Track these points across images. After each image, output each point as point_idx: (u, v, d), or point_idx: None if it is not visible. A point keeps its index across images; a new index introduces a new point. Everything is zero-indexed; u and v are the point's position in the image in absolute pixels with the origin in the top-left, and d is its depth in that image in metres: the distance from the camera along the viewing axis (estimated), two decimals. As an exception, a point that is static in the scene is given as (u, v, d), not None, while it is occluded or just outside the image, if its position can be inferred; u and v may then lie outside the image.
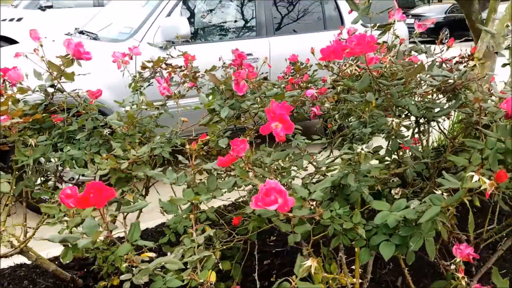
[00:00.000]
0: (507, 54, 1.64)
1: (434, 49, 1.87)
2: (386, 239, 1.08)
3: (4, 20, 6.80)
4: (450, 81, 1.57)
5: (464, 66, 1.95)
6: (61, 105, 1.81)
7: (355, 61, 1.95)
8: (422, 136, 1.93)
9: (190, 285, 1.09)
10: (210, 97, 1.97)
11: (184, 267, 0.99)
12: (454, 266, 1.25)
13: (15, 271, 2.18)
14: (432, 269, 2.07)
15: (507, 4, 3.13)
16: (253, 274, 1.80)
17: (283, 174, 1.60)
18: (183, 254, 1.13)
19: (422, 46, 1.85)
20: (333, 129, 1.85)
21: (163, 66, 2.13)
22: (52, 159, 1.63)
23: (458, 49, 2.20)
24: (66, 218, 1.23)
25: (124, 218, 1.90)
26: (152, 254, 0.97)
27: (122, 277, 0.98)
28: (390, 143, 1.47)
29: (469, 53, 1.95)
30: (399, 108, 1.60)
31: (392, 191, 1.35)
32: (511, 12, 3.01)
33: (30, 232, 1.82)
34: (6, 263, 2.18)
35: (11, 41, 6.41)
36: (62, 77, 1.67)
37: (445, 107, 1.55)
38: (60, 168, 1.77)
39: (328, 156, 1.79)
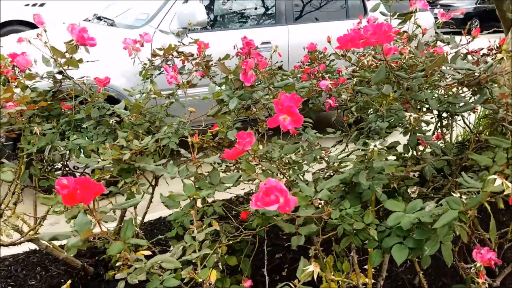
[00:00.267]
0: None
1: (460, 40, 1.75)
2: (400, 241, 1.00)
3: (27, 5, 6.86)
4: (476, 74, 1.46)
5: (492, 59, 1.83)
6: (70, 92, 1.78)
7: (373, 52, 1.86)
8: (445, 131, 1.82)
9: (191, 284, 1.05)
10: (223, 87, 1.90)
11: (181, 267, 0.93)
12: (475, 269, 1.16)
13: (28, 257, 2.20)
14: (452, 267, 1.98)
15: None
16: (262, 269, 1.76)
17: (295, 168, 1.54)
18: (184, 251, 1.08)
19: (445, 36, 1.74)
20: (350, 121, 1.76)
21: (175, 54, 2.07)
22: (58, 148, 1.60)
23: (486, 41, 2.07)
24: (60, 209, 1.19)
25: (135, 208, 1.87)
26: (147, 252, 0.92)
27: (117, 276, 0.94)
28: (408, 138, 1.38)
29: (498, 45, 1.83)
30: (419, 102, 1.50)
31: (409, 190, 1.26)
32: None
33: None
34: (21, 249, 2.19)
35: (33, 26, 6.46)
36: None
37: (469, 102, 1.45)
38: (67, 157, 1.74)
39: (343, 150, 1.71)
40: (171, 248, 1.74)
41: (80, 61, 1.68)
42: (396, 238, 1.00)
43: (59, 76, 1.78)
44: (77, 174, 2.01)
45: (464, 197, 0.91)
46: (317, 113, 2.16)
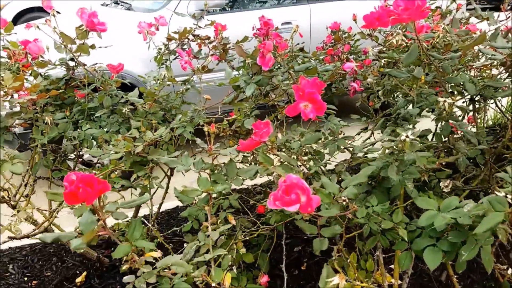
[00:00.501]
0: None
1: (498, 16, 1.59)
2: (432, 243, 0.90)
3: (47, -8, 6.85)
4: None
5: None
6: (83, 80, 1.72)
7: (402, 30, 1.72)
8: (476, 115, 1.69)
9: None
10: (241, 71, 1.81)
11: (191, 271, 0.86)
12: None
13: (45, 247, 2.19)
14: (482, 264, 1.86)
15: None
16: (280, 264, 1.69)
17: (316, 158, 1.44)
18: (197, 250, 1.01)
19: (483, 13, 1.58)
20: (376, 107, 1.64)
21: (191, 37, 1.97)
22: (71, 138, 1.55)
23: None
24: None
25: (151, 198, 1.82)
26: (158, 254, 0.85)
27: (125, 279, 0.88)
28: (440, 125, 1.26)
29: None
30: (452, 85, 1.37)
31: (442, 183, 1.15)
32: None
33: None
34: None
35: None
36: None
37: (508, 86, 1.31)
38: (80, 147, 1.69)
39: (368, 138, 1.60)
40: (186, 244, 1.68)
41: (93, 47, 1.61)
42: (428, 240, 0.90)
43: (71, 63, 1.72)
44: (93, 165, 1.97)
45: (510, 196, 0.80)
46: (340, 97, 2.04)
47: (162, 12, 3.28)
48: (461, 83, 1.23)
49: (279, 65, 1.43)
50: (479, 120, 1.80)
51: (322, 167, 1.35)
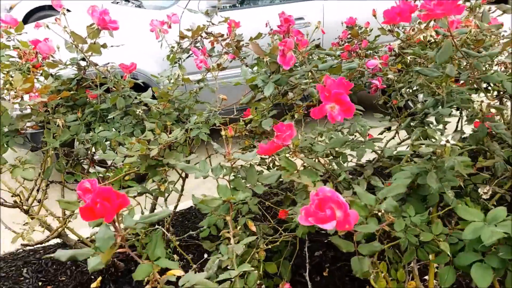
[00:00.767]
0: None
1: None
2: (479, 259, 0.83)
3: (58, -10, 6.82)
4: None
5: None
6: (95, 80, 1.66)
7: (426, 25, 1.63)
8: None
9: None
10: (255, 69, 1.74)
11: (217, 288, 0.80)
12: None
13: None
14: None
15: None
16: (302, 271, 1.62)
17: (339, 160, 1.37)
18: (219, 265, 0.94)
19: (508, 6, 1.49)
20: (399, 105, 1.56)
21: (203, 35, 1.91)
22: (83, 141, 1.49)
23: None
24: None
25: (165, 200, 1.76)
26: (180, 273, 0.79)
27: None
28: (478, 127, 1.17)
29: None
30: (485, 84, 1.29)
31: (480, 189, 1.07)
32: None
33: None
34: (53, 240, 2.15)
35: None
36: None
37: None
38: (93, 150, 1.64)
39: (392, 138, 1.52)
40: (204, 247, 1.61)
41: (104, 46, 1.55)
42: (473, 255, 0.83)
43: (83, 63, 1.67)
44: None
45: None
46: (354, 94, 1.96)
47: (174, 9, 3.22)
48: (499, 82, 1.14)
49: (297, 63, 1.36)
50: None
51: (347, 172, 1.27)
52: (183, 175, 1.85)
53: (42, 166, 1.56)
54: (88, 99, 1.67)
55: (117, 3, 4.10)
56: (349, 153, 1.42)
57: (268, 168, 1.58)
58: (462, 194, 1.11)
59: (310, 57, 1.79)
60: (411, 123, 1.44)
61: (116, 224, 0.75)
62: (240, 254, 1.15)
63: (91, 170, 1.67)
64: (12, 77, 1.62)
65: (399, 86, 1.69)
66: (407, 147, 1.41)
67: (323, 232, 2.03)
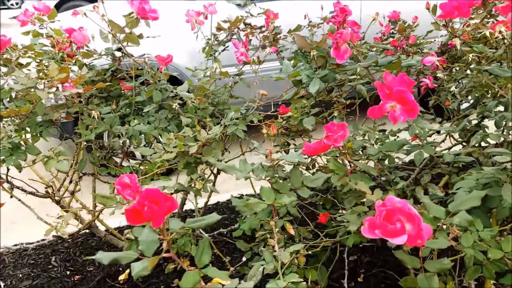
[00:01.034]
0: None
1: None
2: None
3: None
4: None
5: None
6: (130, 71, 1.61)
7: (481, 20, 1.52)
8: None
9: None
10: (291, 62, 1.65)
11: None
12: None
13: (87, 240, 2.14)
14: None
15: None
16: (335, 275, 1.54)
17: (383, 162, 1.28)
18: (262, 272, 0.88)
19: None
20: (453, 106, 1.45)
21: (241, 26, 1.83)
22: (118, 134, 1.45)
23: None
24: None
25: (195, 196, 1.71)
26: (227, 282, 0.72)
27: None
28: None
29: None
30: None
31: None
32: None
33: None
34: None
35: (92, 1, 6.47)
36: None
37: None
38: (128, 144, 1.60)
39: (443, 141, 1.42)
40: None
41: (141, 36, 1.50)
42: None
43: (118, 53, 1.62)
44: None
45: None
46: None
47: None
48: None
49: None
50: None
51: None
52: (215, 171, 1.80)
53: (75, 158, 1.53)
54: (122, 91, 1.63)
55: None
56: (396, 156, 1.34)
57: (307, 169, 1.51)
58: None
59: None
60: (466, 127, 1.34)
61: (162, 227, 0.69)
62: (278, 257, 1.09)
63: (124, 163, 1.63)
64: (46, 66, 1.60)
65: (449, 85, 1.58)
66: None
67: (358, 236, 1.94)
